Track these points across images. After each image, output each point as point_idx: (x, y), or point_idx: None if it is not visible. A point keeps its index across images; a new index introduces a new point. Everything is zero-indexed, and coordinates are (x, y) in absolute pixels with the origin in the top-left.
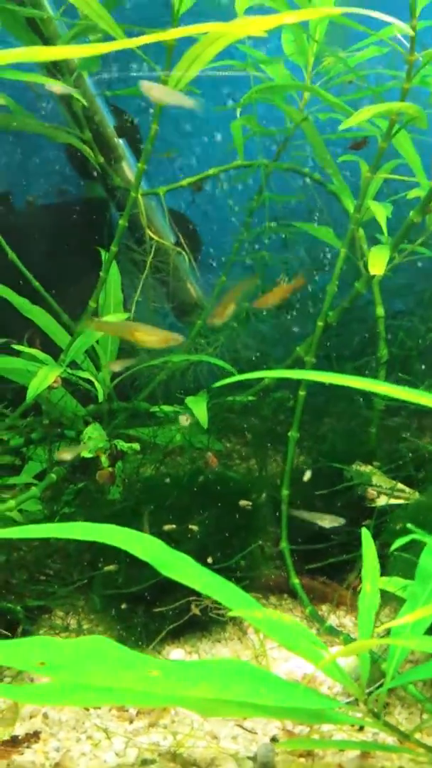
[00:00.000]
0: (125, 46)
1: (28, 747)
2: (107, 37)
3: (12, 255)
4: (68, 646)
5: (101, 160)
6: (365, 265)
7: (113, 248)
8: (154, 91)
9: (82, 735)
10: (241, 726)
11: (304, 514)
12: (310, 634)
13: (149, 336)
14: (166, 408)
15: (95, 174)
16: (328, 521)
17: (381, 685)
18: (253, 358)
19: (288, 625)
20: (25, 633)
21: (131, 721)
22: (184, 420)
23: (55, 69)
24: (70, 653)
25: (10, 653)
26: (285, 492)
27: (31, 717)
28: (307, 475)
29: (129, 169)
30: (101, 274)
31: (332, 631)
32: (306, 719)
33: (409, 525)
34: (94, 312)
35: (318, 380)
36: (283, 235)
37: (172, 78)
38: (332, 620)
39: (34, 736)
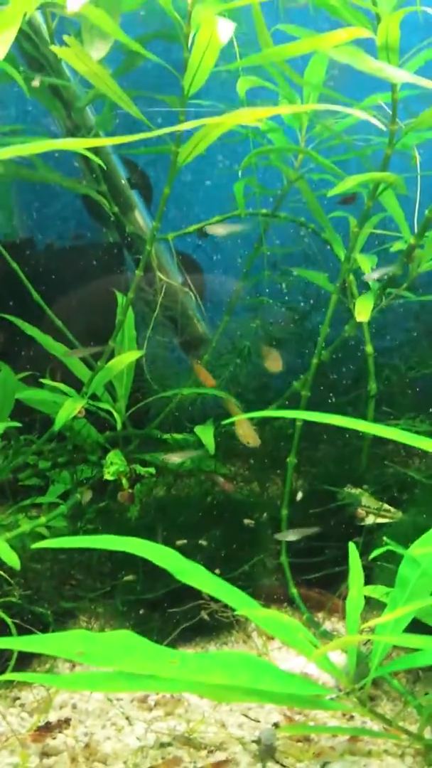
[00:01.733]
0: (150, 135)
1: (60, 732)
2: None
3: (36, 295)
4: (102, 638)
5: (116, 209)
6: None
7: (130, 295)
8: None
9: (107, 722)
10: (246, 715)
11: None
12: (306, 631)
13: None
14: (177, 436)
15: (110, 220)
16: (293, 534)
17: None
18: (255, 391)
19: (287, 624)
20: None
21: (150, 710)
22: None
23: (74, 128)
24: (104, 645)
25: (54, 644)
26: (284, 512)
27: (61, 707)
28: (299, 496)
29: (141, 217)
30: (118, 316)
31: (326, 635)
32: (303, 705)
33: (385, 539)
34: (112, 351)
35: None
36: (282, 284)
37: (181, 154)
38: (327, 626)
39: (65, 722)
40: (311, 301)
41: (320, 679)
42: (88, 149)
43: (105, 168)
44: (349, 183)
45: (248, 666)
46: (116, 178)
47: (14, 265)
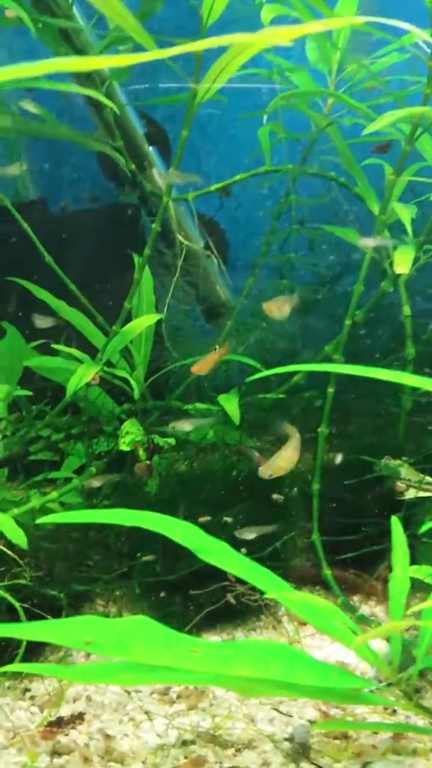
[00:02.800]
0: (157, 56)
1: (73, 728)
2: (137, 48)
3: (48, 258)
4: (115, 625)
5: (132, 167)
6: (391, 266)
7: (146, 252)
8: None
9: (125, 717)
10: (277, 709)
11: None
12: (344, 616)
13: None
14: (200, 405)
15: (127, 181)
16: (251, 532)
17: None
18: (282, 357)
19: (322, 608)
20: None
21: (171, 704)
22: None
23: (87, 78)
24: (117, 632)
25: (59, 632)
26: (315, 486)
27: (75, 700)
28: (338, 459)
29: (159, 175)
30: (135, 276)
31: (364, 620)
32: (340, 700)
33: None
34: (128, 313)
35: (347, 376)
36: (309, 239)
37: (201, 88)
38: (364, 610)
39: (78, 717)
40: (343, 261)
41: (357, 668)
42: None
43: (120, 122)
44: (387, 118)
45: (279, 656)
46: (133, 134)
47: (25, 225)
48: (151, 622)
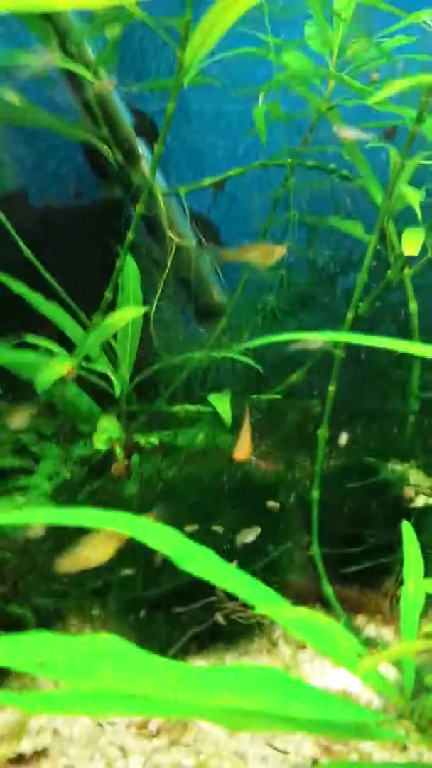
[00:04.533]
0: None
1: (35, 766)
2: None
3: (27, 252)
4: (76, 644)
5: (120, 158)
6: (396, 259)
7: (130, 235)
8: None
9: (96, 753)
10: (271, 745)
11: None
12: (349, 636)
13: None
14: (189, 407)
15: (113, 175)
16: (248, 535)
17: (425, 699)
18: (279, 356)
19: (323, 627)
20: None
21: (151, 738)
22: None
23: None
24: (78, 654)
25: (5, 651)
26: (315, 493)
27: (39, 732)
28: (343, 439)
29: (148, 168)
30: (117, 263)
31: (370, 643)
32: (345, 734)
33: None
34: (109, 303)
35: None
36: (308, 231)
37: (188, 51)
38: (369, 631)
39: (42, 753)
40: (344, 255)
41: (362, 697)
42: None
43: (106, 110)
44: (397, 85)
45: (273, 684)
46: (121, 124)
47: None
48: (120, 642)
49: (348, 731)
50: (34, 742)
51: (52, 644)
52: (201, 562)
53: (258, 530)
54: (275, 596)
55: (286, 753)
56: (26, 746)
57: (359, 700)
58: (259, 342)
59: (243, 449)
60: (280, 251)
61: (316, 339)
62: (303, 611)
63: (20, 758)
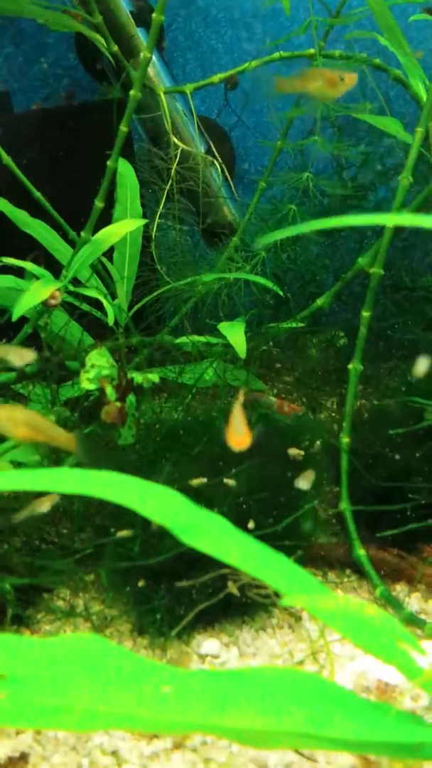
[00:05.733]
0: None
1: None
2: None
3: (7, 159)
4: (44, 648)
5: (115, 48)
6: None
7: (122, 128)
8: None
9: (84, 759)
10: (298, 752)
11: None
12: (401, 630)
13: None
14: (197, 338)
15: (109, 71)
16: (302, 481)
17: None
18: (299, 282)
19: (371, 620)
20: (17, 618)
21: (150, 740)
22: None
23: None
24: (47, 660)
25: None
26: (345, 440)
27: (18, 733)
28: (423, 365)
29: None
30: (108, 163)
31: (413, 620)
32: (395, 754)
33: None
34: (102, 213)
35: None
36: (336, 133)
37: None
38: (411, 604)
39: (20, 759)
40: (378, 159)
41: (406, 690)
42: None
43: None
44: None
45: (300, 694)
46: (117, 11)
47: None
48: (100, 643)
49: (399, 751)
50: (13, 744)
51: (16, 649)
52: (210, 533)
53: (312, 476)
54: (303, 575)
55: (315, 761)
56: (4, 750)
57: (403, 695)
58: (285, 233)
59: (237, 437)
60: (351, 80)
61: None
62: (342, 600)
63: None
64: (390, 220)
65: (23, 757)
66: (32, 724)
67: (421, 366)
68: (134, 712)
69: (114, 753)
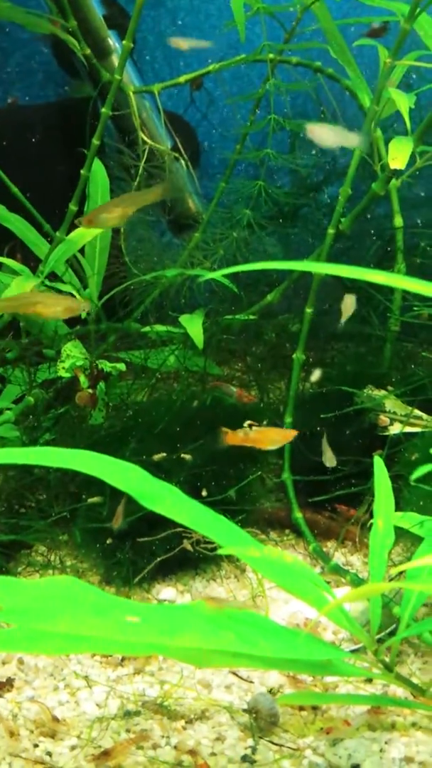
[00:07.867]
0: None
1: (0, 696)
2: None
3: None
4: (32, 587)
5: (88, 51)
6: (383, 169)
7: (95, 141)
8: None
9: (60, 683)
10: (236, 674)
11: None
12: (314, 574)
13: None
14: (159, 328)
15: (82, 70)
16: (330, 458)
17: (393, 632)
18: (257, 274)
19: (288, 565)
20: (0, 570)
21: (115, 668)
22: None
23: None
24: (35, 596)
25: None
26: (288, 419)
27: (4, 663)
28: (316, 375)
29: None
30: (82, 172)
31: (338, 570)
32: (309, 671)
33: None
34: (75, 215)
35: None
36: (291, 136)
37: None
38: (338, 558)
39: (7, 683)
40: (328, 164)
41: (329, 626)
42: None
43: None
44: None
45: (236, 622)
46: (90, 14)
47: None
48: (78, 584)
49: (312, 668)
50: (0, 671)
51: (11, 587)
52: (165, 499)
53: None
54: (239, 532)
55: (250, 682)
56: None
57: (327, 628)
58: (228, 271)
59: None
60: None
61: (290, 267)
62: (268, 550)
63: None
64: (312, 267)
65: (9, 681)
66: (23, 648)
67: (314, 376)
68: (106, 636)
69: (86, 678)
